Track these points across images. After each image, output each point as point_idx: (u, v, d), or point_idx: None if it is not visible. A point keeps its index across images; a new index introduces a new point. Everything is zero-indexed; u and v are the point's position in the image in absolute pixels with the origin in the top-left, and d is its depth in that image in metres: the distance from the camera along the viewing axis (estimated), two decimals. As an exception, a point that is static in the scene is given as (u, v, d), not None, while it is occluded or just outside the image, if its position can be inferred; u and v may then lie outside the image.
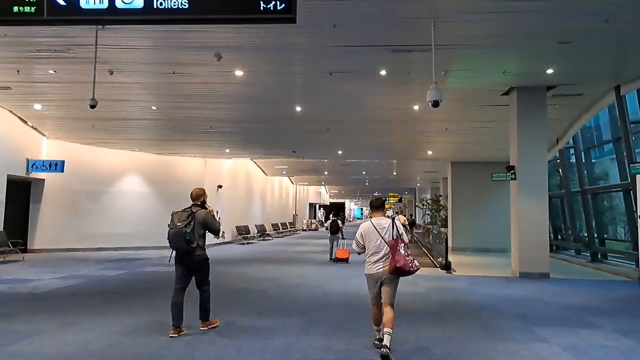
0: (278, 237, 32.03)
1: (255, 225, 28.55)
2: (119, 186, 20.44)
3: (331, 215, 17.65)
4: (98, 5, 4.28)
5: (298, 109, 13.92)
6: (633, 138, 12.80)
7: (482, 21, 8.08)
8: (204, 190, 6.64)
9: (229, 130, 17.34)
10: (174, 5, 4.24)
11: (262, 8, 4.16)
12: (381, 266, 5.56)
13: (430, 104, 7.62)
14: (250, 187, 29.63)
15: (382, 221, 5.74)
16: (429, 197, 37.03)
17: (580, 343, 6.11)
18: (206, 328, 6.48)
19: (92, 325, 6.70)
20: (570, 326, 7.04)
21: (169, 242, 6.22)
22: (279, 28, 8.33)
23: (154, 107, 14.27)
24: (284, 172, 34.52)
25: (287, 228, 37.16)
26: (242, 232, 25.38)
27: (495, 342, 6.11)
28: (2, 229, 15.13)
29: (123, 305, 8.25)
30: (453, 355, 5.54)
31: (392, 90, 12.14)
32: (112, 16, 4.33)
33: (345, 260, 15.87)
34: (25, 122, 16.38)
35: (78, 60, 10.16)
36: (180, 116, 15.37)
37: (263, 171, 32.33)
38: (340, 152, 21.71)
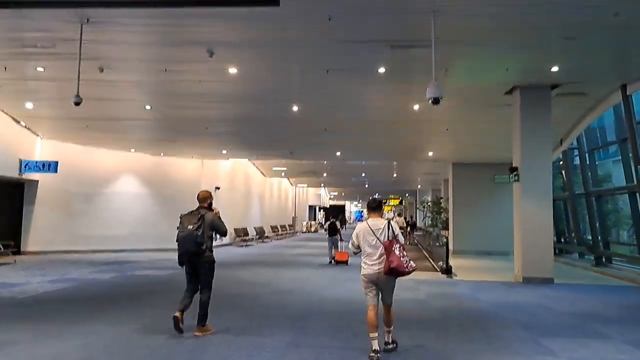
0: (277, 239, 31.66)
1: (254, 228, 28.17)
2: (114, 187, 20.08)
3: (330, 217, 17.40)
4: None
5: (295, 108, 13.56)
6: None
7: (485, 15, 7.71)
8: (210, 192, 6.77)
9: (226, 131, 16.98)
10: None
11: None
12: (377, 267, 5.55)
13: (430, 101, 7.24)
14: (249, 188, 29.27)
15: (378, 222, 5.75)
16: (429, 199, 36.66)
17: (591, 357, 5.71)
18: (200, 334, 6.30)
19: (71, 335, 6.32)
20: (578, 337, 6.64)
21: (178, 245, 6.30)
22: (271, 21, 8.00)
23: (148, 107, 13.92)
24: (283, 174, 34.17)
25: (286, 230, 36.79)
26: (241, 234, 25.01)
27: (500, 355, 5.72)
28: (-8, 231, 14.81)
29: (108, 312, 7.88)
30: (454, 369, 5.16)
31: (391, 89, 11.78)
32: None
33: (345, 263, 15.79)
34: (18, 122, 16.05)
35: (66, 57, 9.76)
36: (176, 116, 15.03)
37: (262, 173, 31.98)
38: (338, 153, 21.33)
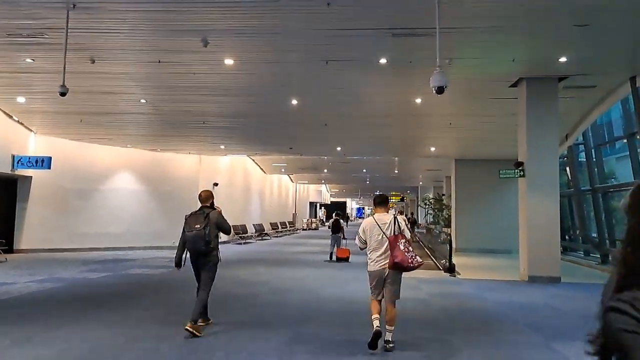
0: (277, 236, 31.28)
1: (253, 225, 27.78)
2: (110, 184, 19.66)
3: (334, 215, 17.33)
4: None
5: (294, 102, 13.16)
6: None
7: (491, 0, 7.31)
8: (211, 191, 6.89)
9: (224, 126, 16.58)
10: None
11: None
12: (383, 262, 5.58)
13: (434, 90, 6.83)
14: (248, 185, 28.87)
15: (384, 217, 5.78)
16: (431, 196, 36.26)
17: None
18: (190, 330, 6.08)
19: (51, 340, 5.94)
20: (591, 340, 6.24)
21: (186, 245, 6.40)
22: (268, 8, 7.61)
23: (143, 100, 13.55)
24: (283, 170, 33.75)
25: (286, 227, 36.41)
26: (239, 231, 24.61)
27: (508, 361, 5.34)
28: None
29: (94, 314, 7.50)
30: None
31: (393, 81, 11.37)
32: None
33: (346, 260, 15.70)
34: (10, 116, 15.66)
35: (56, 47, 9.35)
36: (172, 110, 14.64)
37: (261, 169, 31.57)
38: (339, 148, 20.91)
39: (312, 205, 56.76)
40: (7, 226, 16.90)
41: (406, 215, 33.82)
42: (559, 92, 11.46)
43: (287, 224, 37.70)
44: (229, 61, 10.08)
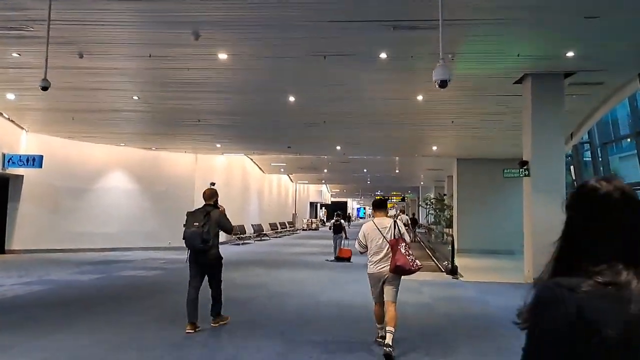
0: (276, 237, 30.90)
1: (252, 225, 27.37)
2: (103, 183, 19.28)
3: (335, 215, 17.70)
4: None
5: (291, 99, 12.77)
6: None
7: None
8: (216, 190, 6.93)
9: (219, 124, 16.18)
10: None
11: None
12: (383, 265, 5.60)
13: (436, 84, 6.44)
14: (247, 185, 28.47)
15: (384, 221, 5.84)
16: (432, 196, 35.88)
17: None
18: (217, 325, 6.52)
19: (29, 348, 5.58)
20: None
21: (185, 242, 6.45)
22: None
23: (135, 97, 13.15)
24: (282, 170, 33.37)
25: (286, 228, 36.02)
26: (237, 232, 24.21)
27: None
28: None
29: (78, 319, 7.12)
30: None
31: (394, 77, 10.97)
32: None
33: (348, 259, 15.79)
34: (0, 114, 15.29)
35: (41, 41, 8.89)
36: (165, 107, 14.27)
37: (260, 168, 31.17)
38: (338, 147, 20.51)
39: (313, 205, 56.39)
40: (-1, 226, 16.54)
41: (407, 215, 33.41)
42: (565, 88, 11.07)
43: (287, 224, 37.31)
44: (222, 55, 9.69)
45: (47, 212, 17.61)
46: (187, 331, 6.24)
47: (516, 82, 11.16)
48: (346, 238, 16.70)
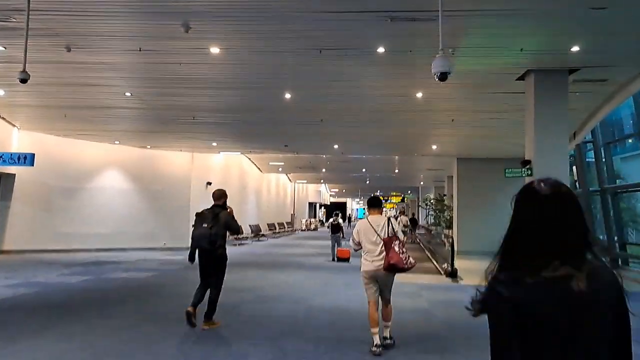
0: (274, 237, 30.54)
1: (250, 225, 27.00)
2: (97, 182, 18.91)
3: (333, 215, 17.75)
4: None
5: (287, 96, 12.42)
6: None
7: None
8: (225, 191, 7.01)
9: (214, 121, 15.82)
10: None
11: None
12: (377, 263, 5.63)
13: (436, 77, 6.09)
14: (244, 184, 28.11)
15: (378, 219, 5.88)
16: (432, 196, 35.55)
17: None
18: (207, 327, 6.46)
19: (3, 356, 5.21)
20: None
21: (192, 242, 6.63)
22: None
23: (128, 94, 12.80)
24: (280, 169, 33.01)
25: (284, 228, 35.66)
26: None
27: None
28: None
29: (61, 324, 6.77)
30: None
31: (392, 72, 10.62)
32: None
33: (346, 260, 15.83)
34: (-9, 111, 14.97)
35: (31, 34, 8.60)
36: (159, 104, 13.91)
37: (258, 168, 30.81)
38: (336, 146, 20.14)
39: (312, 205, 56.03)
40: (-11, 226, 16.19)
41: (407, 216, 33.06)
42: (569, 85, 10.72)
43: (285, 224, 36.96)
44: (214, 49, 9.34)
45: (40, 212, 17.27)
46: (187, 310, 6.44)
47: (518, 79, 10.81)
48: (343, 237, 16.75)
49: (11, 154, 15.43)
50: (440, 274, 13.06)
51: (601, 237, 16.15)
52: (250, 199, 29.38)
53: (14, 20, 8.19)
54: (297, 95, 12.44)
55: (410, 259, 5.67)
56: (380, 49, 9.06)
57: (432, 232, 24.10)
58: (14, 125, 16.34)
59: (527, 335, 1.25)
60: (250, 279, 11.77)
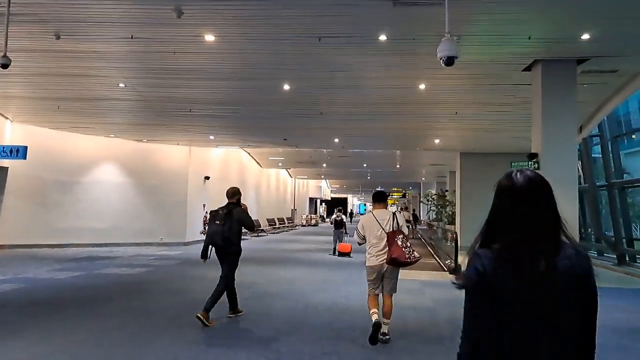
0: (274, 233, 30.21)
1: (249, 221, 26.63)
2: (92, 176, 18.54)
3: (335, 211, 17.98)
4: None
5: (286, 87, 12.03)
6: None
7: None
8: (238, 188, 7.21)
9: (211, 114, 15.42)
10: None
11: None
12: (382, 257, 5.66)
13: (442, 61, 5.70)
14: (244, 179, 27.73)
15: (383, 213, 5.88)
16: (434, 192, 35.18)
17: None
18: (201, 318, 6.31)
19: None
20: (632, 364, 5.16)
21: (205, 239, 6.82)
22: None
23: (121, 85, 12.42)
24: (280, 164, 32.64)
25: (284, 223, 35.32)
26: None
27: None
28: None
29: (43, 323, 6.41)
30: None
31: (394, 61, 10.21)
32: None
33: (348, 254, 16.04)
34: (-18, 103, 14.59)
35: (14, 20, 8.22)
36: (154, 96, 13.54)
37: (257, 162, 30.44)
38: (336, 140, 19.76)
39: (312, 201, 55.69)
40: (-19, 220, 15.83)
41: (409, 211, 32.73)
42: (577, 76, 10.32)
43: (286, 220, 36.62)
44: (209, 37, 8.96)
45: (33, 206, 16.92)
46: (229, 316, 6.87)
47: (525, 69, 10.43)
48: (346, 233, 17.11)
49: (3, 147, 15.11)
50: (444, 270, 12.71)
51: (608, 233, 15.78)
52: (250, 194, 29.02)
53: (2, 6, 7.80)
54: (295, 86, 12.06)
55: (415, 252, 5.64)
56: (382, 37, 8.67)
57: (435, 228, 23.73)
58: (6, 118, 15.98)
59: (497, 306, 1.43)
60: (247, 275, 11.37)
